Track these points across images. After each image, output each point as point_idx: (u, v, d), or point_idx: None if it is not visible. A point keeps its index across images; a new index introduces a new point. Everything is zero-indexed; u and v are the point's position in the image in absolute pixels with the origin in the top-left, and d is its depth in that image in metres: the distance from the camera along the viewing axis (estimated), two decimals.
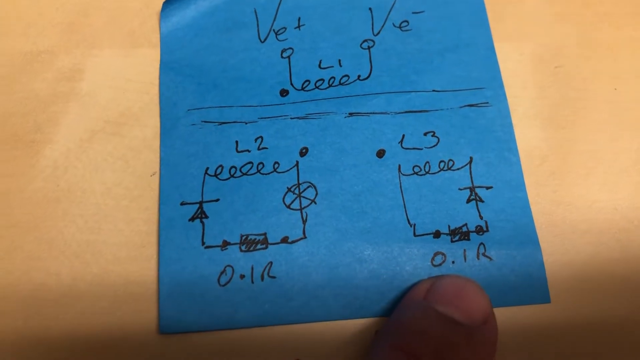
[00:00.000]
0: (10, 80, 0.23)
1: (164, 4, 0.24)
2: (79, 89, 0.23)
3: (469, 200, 0.21)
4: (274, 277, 0.20)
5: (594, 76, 0.24)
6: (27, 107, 0.23)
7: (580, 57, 0.24)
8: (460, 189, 0.22)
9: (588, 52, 0.24)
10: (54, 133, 0.22)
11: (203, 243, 0.21)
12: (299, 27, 0.24)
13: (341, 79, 0.23)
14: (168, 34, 0.24)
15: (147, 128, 0.23)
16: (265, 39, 0.24)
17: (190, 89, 0.23)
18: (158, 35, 0.24)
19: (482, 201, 0.21)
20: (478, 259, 0.21)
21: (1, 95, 0.23)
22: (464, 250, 0.21)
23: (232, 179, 0.22)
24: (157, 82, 0.23)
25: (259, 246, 0.21)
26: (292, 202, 0.21)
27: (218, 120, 0.22)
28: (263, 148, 0.22)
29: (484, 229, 0.21)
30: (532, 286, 0.20)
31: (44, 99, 0.23)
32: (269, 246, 0.21)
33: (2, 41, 0.24)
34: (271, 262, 0.20)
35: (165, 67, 0.23)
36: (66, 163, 0.22)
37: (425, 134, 0.22)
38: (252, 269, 0.20)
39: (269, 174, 0.22)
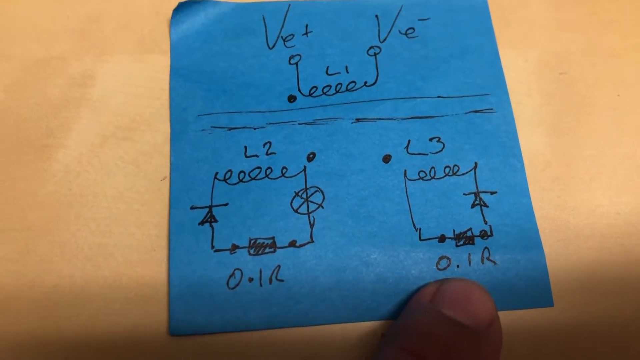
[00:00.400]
0: (23, 86, 0.24)
1: (174, 10, 0.25)
2: (91, 95, 0.24)
3: (473, 205, 0.22)
4: (282, 280, 0.21)
5: (597, 83, 0.24)
6: (40, 113, 0.23)
7: (585, 64, 0.25)
8: (465, 194, 0.22)
9: (592, 59, 0.25)
10: (66, 138, 0.23)
11: (212, 246, 0.21)
12: (306, 33, 0.25)
13: (348, 85, 0.24)
14: (178, 40, 0.24)
15: (158, 133, 0.23)
16: (273, 46, 0.25)
17: (200, 95, 0.23)
18: (168, 42, 0.25)
19: (487, 206, 0.22)
20: (482, 263, 0.21)
21: (14, 101, 0.23)
22: (469, 254, 0.21)
23: (240, 183, 0.22)
24: (167, 87, 0.24)
25: (267, 250, 0.21)
26: (300, 206, 0.22)
27: (227, 126, 0.23)
28: (271, 153, 0.22)
29: (489, 233, 0.21)
30: (535, 290, 0.21)
31: (56, 105, 0.23)
32: (277, 250, 0.21)
33: (15, 47, 0.24)
34: (279, 266, 0.21)
35: (175, 73, 0.24)
36: (78, 167, 0.22)
37: (430, 140, 0.23)
38: (261, 272, 0.21)
39: (277, 178, 0.22)
